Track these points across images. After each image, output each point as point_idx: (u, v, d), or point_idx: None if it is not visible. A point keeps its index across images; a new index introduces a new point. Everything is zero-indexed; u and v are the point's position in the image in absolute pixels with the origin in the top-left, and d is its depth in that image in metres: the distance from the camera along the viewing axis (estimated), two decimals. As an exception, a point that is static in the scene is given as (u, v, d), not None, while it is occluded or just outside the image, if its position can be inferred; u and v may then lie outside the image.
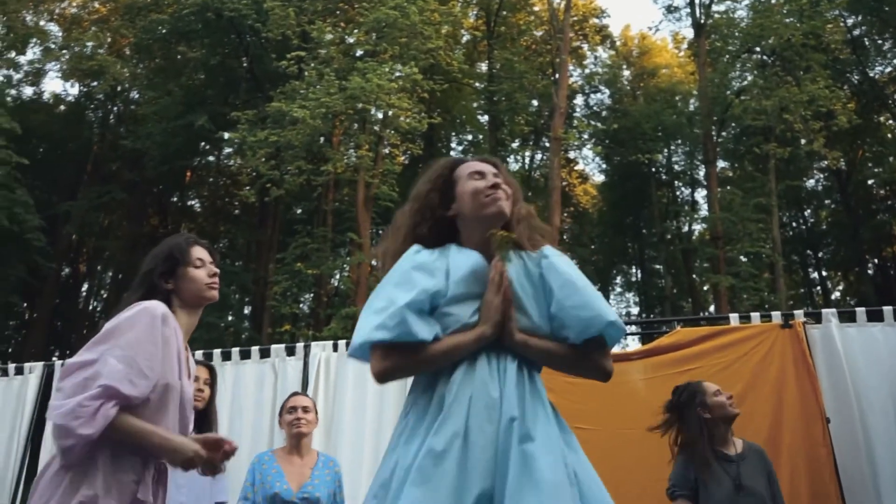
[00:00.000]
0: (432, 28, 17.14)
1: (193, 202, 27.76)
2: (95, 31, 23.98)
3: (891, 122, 22.77)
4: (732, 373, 4.01)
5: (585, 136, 23.36)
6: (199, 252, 2.38)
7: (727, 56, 20.32)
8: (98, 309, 25.70)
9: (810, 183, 25.37)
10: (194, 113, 19.82)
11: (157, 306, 2.16)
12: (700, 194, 26.07)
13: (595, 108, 26.90)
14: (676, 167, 27.10)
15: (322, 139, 17.50)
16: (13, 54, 22.36)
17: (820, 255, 26.50)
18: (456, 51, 19.98)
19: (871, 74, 22.42)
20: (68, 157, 23.49)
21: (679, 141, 25.78)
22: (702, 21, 21.33)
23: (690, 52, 25.22)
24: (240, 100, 20.27)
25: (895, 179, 22.74)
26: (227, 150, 23.56)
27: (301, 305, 21.21)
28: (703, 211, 23.87)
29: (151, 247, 2.47)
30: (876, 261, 25.62)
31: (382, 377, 1.75)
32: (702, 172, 24.09)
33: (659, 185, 26.16)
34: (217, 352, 5.18)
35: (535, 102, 22.53)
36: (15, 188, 17.80)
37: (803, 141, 18.91)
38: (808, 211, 27.02)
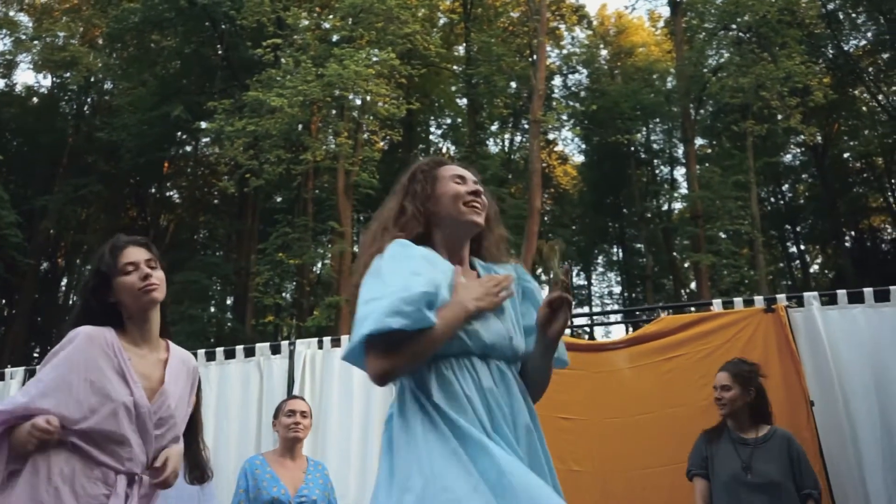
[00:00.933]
0: (409, 12, 16.98)
1: (172, 193, 27.51)
2: (67, 21, 23.63)
3: (866, 95, 22.92)
4: (717, 359, 4.03)
5: (564, 118, 23.34)
6: (128, 255, 2.24)
7: (703, 34, 20.30)
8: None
9: (787, 158, 25.56)
10: (170, 103, 19.60)
11: (74, 335, 2.16)
12: (679, 172, 26.24)
13: (573, 88, 26.89)
14: (655, 146, 27.22)
15: (300, 127, 17.34)
16: (-18, 46, 22.02)
17: (798, 229, 26.76)
18: (433, 34, 19.81)
19: (846, 48, 22.53)
20: (43, 151, 23.14)
21: (657, 120, 25.86)
22: (677, -1, 21.30)
23: (667, 31, 25.25)
24: (216, 89, 20.01)
25: (870, 153, 22.99)
26: (205, 139, 23.29)
27: (284, 295, 21.13)
28: (683, 189, 24.03)
29: (131, 238, 2.44)
30: (853, 233, 25.94)
31: (386, 377, 1.63)
32: (680, 151, 24.21)
33: (638, 164, 26.23)
34: (202, 352, 5.10)
35: (513, 84, 22.45)
36: (-11, 184, 17.60)
37: (780, 117, 19.00)
38: (786, 186, 27.28)
